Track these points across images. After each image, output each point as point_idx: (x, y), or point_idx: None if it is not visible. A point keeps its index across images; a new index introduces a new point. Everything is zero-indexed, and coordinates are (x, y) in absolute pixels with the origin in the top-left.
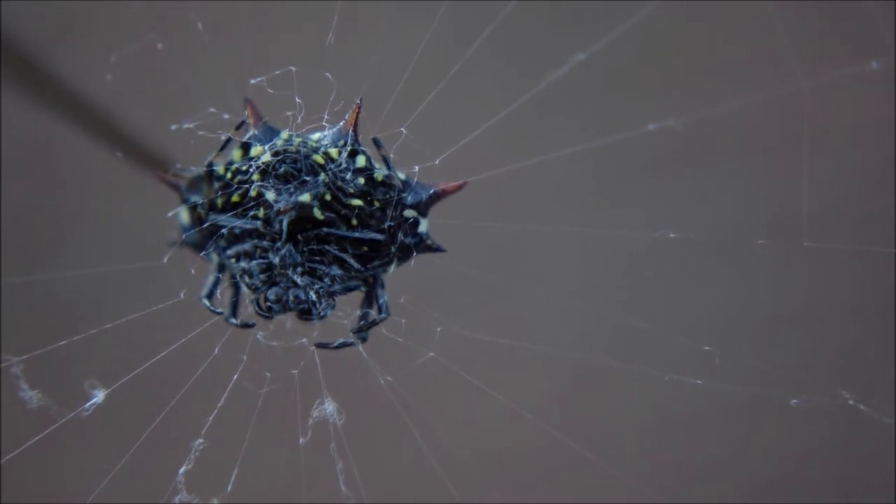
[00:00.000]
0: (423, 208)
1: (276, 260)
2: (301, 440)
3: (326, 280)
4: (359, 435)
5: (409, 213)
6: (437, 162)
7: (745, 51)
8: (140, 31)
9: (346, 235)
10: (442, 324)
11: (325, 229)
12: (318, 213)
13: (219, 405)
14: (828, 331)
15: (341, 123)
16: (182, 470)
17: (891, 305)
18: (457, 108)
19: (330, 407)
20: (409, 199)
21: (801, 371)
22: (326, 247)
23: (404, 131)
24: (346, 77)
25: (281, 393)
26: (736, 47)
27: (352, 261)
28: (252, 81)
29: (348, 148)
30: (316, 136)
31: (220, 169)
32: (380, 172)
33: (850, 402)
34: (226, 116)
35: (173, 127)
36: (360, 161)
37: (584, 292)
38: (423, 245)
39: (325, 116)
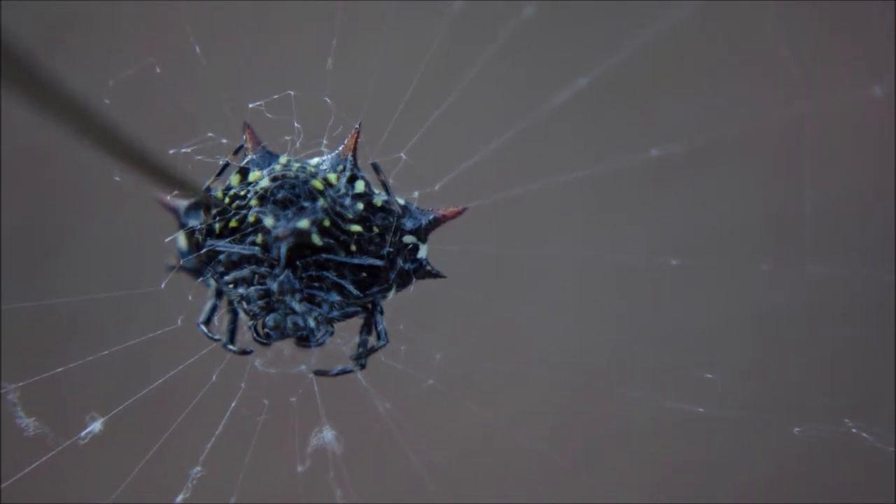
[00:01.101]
0: (422, 234)
1: (275, 286)
2: (299, 468)
3: (325, 306)
4: (358, 464)
5: (408, 238)
6: (436, 188)
7: (746, 58)
8: (136, 41)
9: (344, 261)
10: (441, 350)
11: (323, 255)
12: (316, 239)
13: (217, 433)
14: (826, 340)
15: (340, 148)
16: (179, 499)
17: (891, 306)
18: (457, 130)
19: (329, 435)
20: (409, 224)
21: (799, 377)
22: (325, 273)
23: (404, 156)
24: (345, 99)
25: (279, 420)
26: (736, 54)
27: (350, 287)
28: (251, 105)
29: (347, 173)
30: (315, 160)
31: (218, 194)
32: (379, 198)
33: (854, 430)
34: (224, 141)
35: (171, 151)
36: (359, 186)
37: (583, 315)
38: (422, 271)
39: (324, 141)
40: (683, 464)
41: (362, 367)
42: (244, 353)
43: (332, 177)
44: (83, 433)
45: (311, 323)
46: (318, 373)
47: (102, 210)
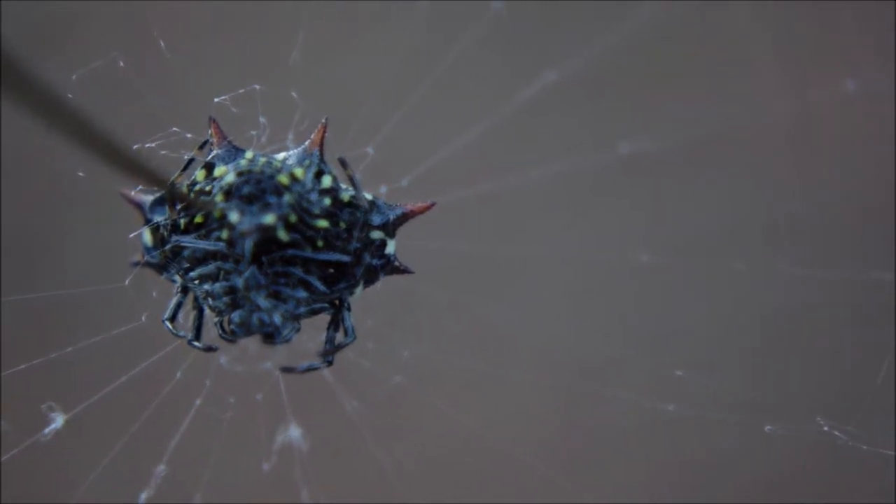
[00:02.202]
0: (390, 229)
1: (240, 282)
2: (265, 466)
3: (291, 303)
4: (324, 462)
5: (375, 234)
6: (404, 183)
7: (739, 53)
8: (101, 42)
9: (311, 257)
10: (409, 347)
11: (289, 251)
12: (282, 235)
13: (181, 430)
14: (819, 339)
15: (307, 143)
16: (144, 497)
17: (890, 307)
18: (426, 125)
19: (295, 432)
20: (376, 220)
21: (794, 377)
22: (291, 269)
23: (371, 151)
24: (312, 93)
25: (245, 418)
26: (727, 50)
27: (317, 283)
28: (216, 100)
29: (314, 168)
30: (281, 155)
31: (182, 189)
32: (346, 193)
33: (826, 428)
34: (189, 136)
35: (136, 146)
36: (326, 182)
37: (561, 314)
38: (390, 266)
39: (290, 136)
40: (669, 465)
41: (329, 363)
42: (210, 349)
43: (298, 172)
44: (46, 430)
45: (278, 319)
46: (285, 370)
47: (66, 206)
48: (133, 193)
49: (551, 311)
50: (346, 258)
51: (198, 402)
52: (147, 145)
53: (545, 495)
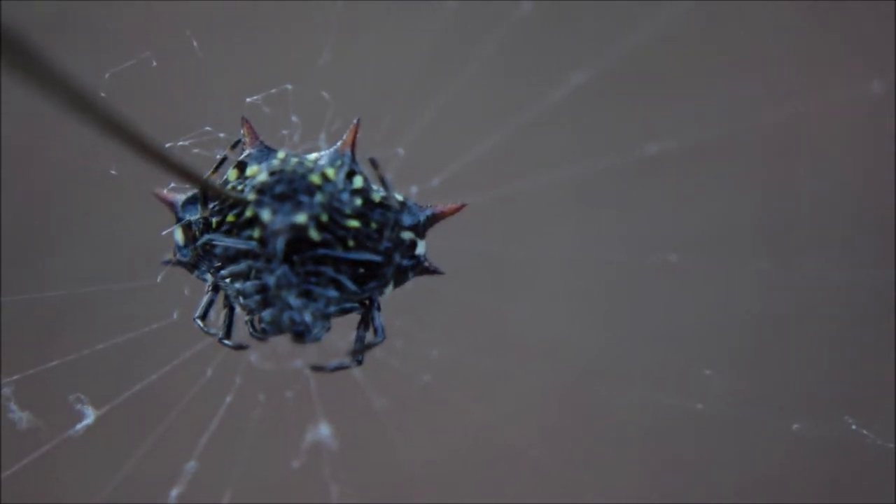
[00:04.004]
0: (420, 230)
1: (272, 281)
2: (294, 464)
3: (322, 302)
4: (353, 460)
5: (406, 234)
6: (435, 183)
7: (739, 54)
8: (132, 38)
9: (342, 257)
10: (438, 347)
11: (321, 250)
12: (314, 234)
13: (212, 428)
14: (823, 338)
15: (339, 143)
16: (174, 493)
17: (890, 305)
18: (454, 126)
19: (325, 430)
20: (407, 220)
21: (796, 375)
22: (322, 268)
23: (402, 151)
24: (343, 94)
25: (274, 415)
26: (731, 51)
27: (348, 282)
28: (248, 100)
29: (346, 168)
30: (313, 156)
31: (215, 187)
32: (377, 194)
33: (854, 427)
34: (222, 135)
35: (168, 145)
36: (358, 182)
37: (580, 313)
38: (420, 267)
39: (322, 136)
40: (679, 462)
41: (359, 363)
42: (240, 347)
43: (330, 172)
44: (77, 427)
45: (308, 318)
46: (315, 368)
47: (99, 203)
48: (165, 192)
49: (573, 309)
50: (377, 258)
51: (228, 399)
52: (180, 143)
53: (571, 495)
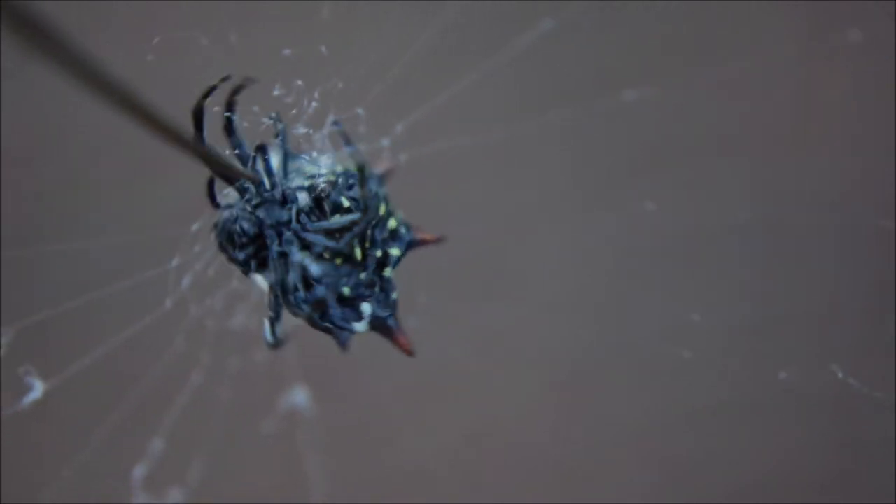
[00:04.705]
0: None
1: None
2: (269, 433)
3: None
4: (339, 435)
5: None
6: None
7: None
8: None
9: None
10: (421, 334)
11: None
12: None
13: (182, 401)
14: (825, 338)
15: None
16: (139, 470)
17: (890, 303)
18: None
19: (301, 396)
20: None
21: (797, 375)
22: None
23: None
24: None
25: (251, 384)
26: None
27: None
28: (275, 93)
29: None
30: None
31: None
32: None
33: (840, 375)
34: (246, 125)
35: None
36: (392, 223)
37: (569, 302)
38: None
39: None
40: (681, 460)
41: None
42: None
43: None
44: (24, 401)
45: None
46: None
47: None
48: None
49: (571, 306)
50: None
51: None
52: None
53: (571, 495)
